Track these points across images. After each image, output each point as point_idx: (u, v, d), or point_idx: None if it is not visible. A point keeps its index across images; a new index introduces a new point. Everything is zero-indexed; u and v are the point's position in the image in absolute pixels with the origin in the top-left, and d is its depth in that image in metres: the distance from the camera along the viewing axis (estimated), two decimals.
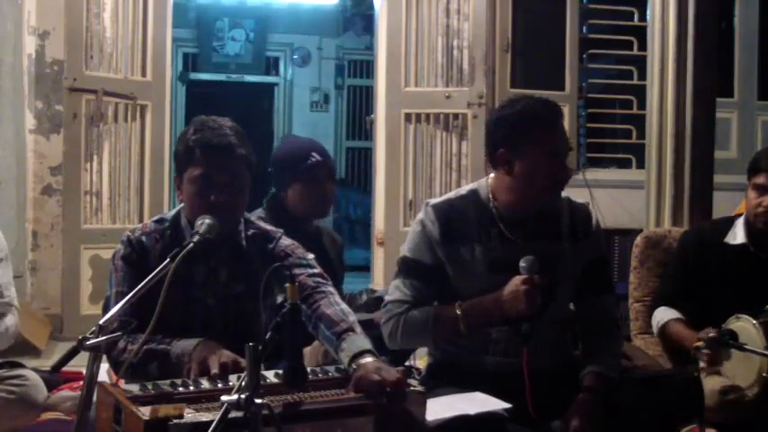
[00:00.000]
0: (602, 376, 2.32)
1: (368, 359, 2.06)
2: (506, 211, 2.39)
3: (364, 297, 3.27)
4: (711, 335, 2.76)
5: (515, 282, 2.25)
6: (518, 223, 2.39)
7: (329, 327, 2.20)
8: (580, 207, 2.49)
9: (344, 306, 2.28)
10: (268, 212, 3.03)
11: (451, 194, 2.49)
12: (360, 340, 2.15)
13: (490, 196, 2.41)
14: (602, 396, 2.28)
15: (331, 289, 2.33)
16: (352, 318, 2.24)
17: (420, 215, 2.43)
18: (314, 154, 3.07)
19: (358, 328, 2.20)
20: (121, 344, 2.19)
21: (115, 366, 2.23)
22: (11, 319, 2.85)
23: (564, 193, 2.50)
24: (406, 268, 2.41)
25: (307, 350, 2.50)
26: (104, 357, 1.86)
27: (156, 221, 2.41)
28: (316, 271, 2.37)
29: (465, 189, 2.48)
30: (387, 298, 2.45)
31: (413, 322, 2.36)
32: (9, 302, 2.87)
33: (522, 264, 2.25)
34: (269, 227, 2.47)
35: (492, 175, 2.44)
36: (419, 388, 2.03)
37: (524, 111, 2.34)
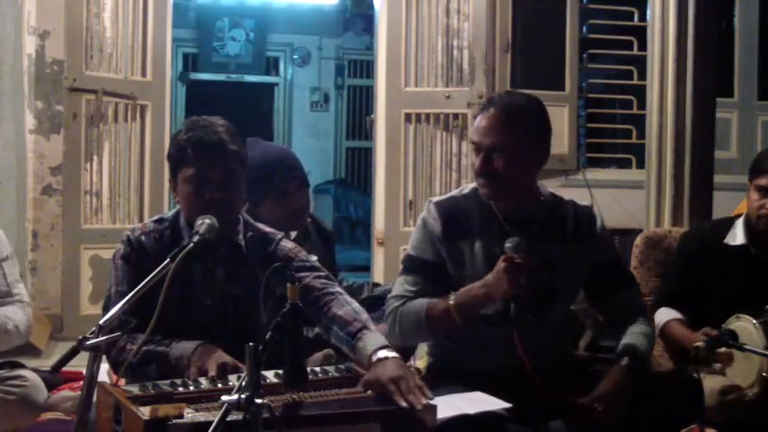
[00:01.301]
0: (635, 348, 2.33)
1: (387, 353, 2.09)
2: (506, 209, 2.40)
3: (365, 292, 3.24)
4: (713, 334, 2.76)
5: (498, 263, 2.24)
6: (520, 223, 2.40)
7: (343, 327, 2.21)
8: (584, 210, 2.49)
9: (356, 305, 2.30)
10: None
11: (455, 192, 2.50)
12: (376, 337, 2.16)
13: None
14: (635, 369, 2.30)
15: (339, 289, 2.35)
16: (365, 316, 2.26)
17: (423, 212, 2.44)
18: (285, 170, 2.99)
19: (372, 325, 2.22)
20: (120, 343, 2.19)
21: (114, 366, 2.24)
22: (19, 315, 2.80)
23: (568, 197, 2.51)
24: (410, 265, 2.43)
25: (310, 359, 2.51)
26: (104, 357, 1.86)
27: (156, 221, 2.41)
28: (321, 273, 2.37)
29: (468, 187, 2.49)
30: (389, 295, 2.46)
31: (409, 315, 2.37)
32: (20, 299, 2.85)
33: (507, 244, 2.25)
34: (268, 229, 2.46)
35: None
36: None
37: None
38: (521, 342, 2.23)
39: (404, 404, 1.95)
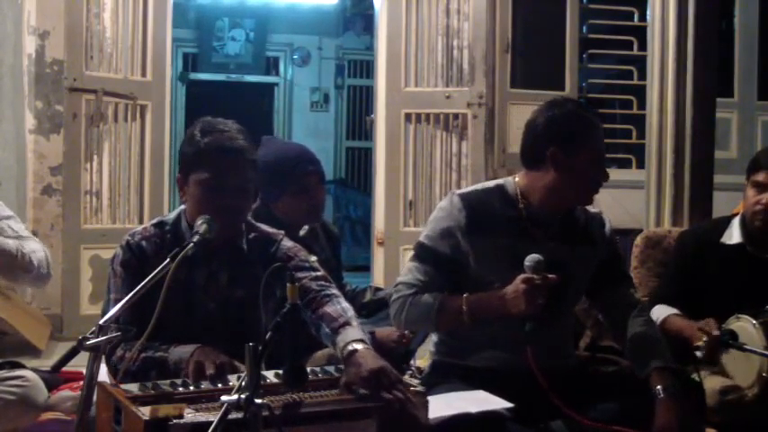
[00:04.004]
0: (669, 370, 2.31)
1: (357, 345, 2.06)
2: (533, 211, 2.42)
3: (368, 295, 3.25)
4: (715, 333, 2.76)
5: (517, 281, 2.26)
6: (542, 223, 2.42)
7: (329, 324, 2.19)
8: (595, 215, 2.54)
9: (345, 304, 2.28)
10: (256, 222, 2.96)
11: (478, 186, 2.51)
12: (354, 331, 2.14)
13: (518, 194, 2.44)
14: (680, 390, 2.27)
15: (335, 291, 2.32)
16: (351, 313, 2.24)
17: (444, 203, 2.43)
18: (305, 164, 3.00)
19: (355, 322, 2.20)
20: (119, 351, 2.17)
21: (114, 373, 2.21)
22: (34, 245, 2.75)
23: None
24: (423, 254, 2.43)
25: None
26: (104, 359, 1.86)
27: (156, 225, 2.36)
28: (319, 274, 2.35)
29: (491, 183, 2.50)
30: (399, 278, 2.46)
31: (418, 306, 2.37)
32: (30, 237, 2.80)
33: (526, 263, 2.26)
34: (270, 230, 2.45)
35: (521, 173, 2.46)
36: (419, 388, 2.04)
37: (578, 113, 2.41)
38: (533, 358, 2.23)
39: (390, 397, 1.94)
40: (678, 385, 2.28)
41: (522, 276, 2.25)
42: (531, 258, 2.26)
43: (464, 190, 2.48)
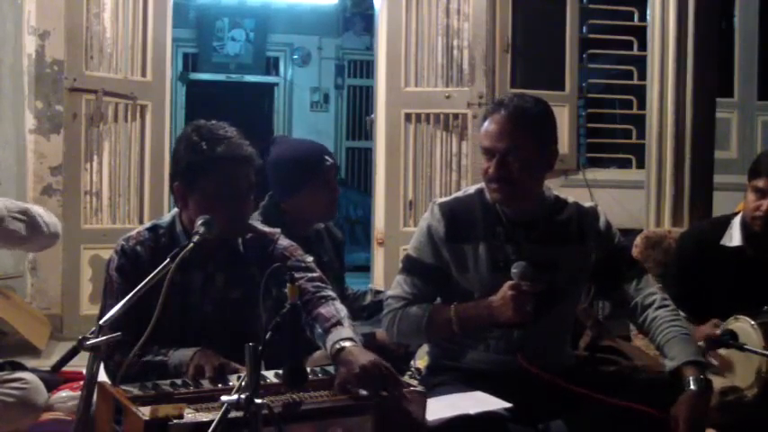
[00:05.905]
0: (700, 364, 2.29)
1: (345, 343, 2.07)
2: (511, 212, 2.40)
3: (368, 298, 3.25)
4: (717, 330, 2.76)
5: (504, 288, 2.25)
6: (524, 225, 2.39)
7: (321, 324, 2.20)
8: (588, 210, 2.48)
9: (339, 305, 2.28)
10: (265, 221, 2.97)
11: (459, 193, 2.50)
12: (343, 331, 2.14)
13: None
14: (708, 385, 2.26)
15: (330, 293, 2.32)
16: (344, 313, 2.24)
17: (426, 213, 2.44)
18: (326, 157, 3.03)
19: (346, 322, 2.20)
20: (117, 357, 2.15)
21: (112, 380, 2.20)
22: (40, 209, 2.72)
23: (571, 198, 2.51)
24: (409, 266, 2.43)
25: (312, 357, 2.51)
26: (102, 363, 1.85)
27: (150, 229, 2.35)
28: (315, 275, 2.35)
29: (473, 188, 2.49)
30: (388, 292, 2.47)
31: (408, 319, 2.38)
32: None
33: (513, 270, 2.25)
34: (266, 229, 2.44)
35: None
36: (419, 388, 2.04)
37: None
38: (525, 362, 2.23)
39: (385, 393, 1.95)
40: (706, 382, 2.26)
41: (509, 283, 2.25)
42: (518, 265, 2.25)
43: (445, 198, 2.48)
